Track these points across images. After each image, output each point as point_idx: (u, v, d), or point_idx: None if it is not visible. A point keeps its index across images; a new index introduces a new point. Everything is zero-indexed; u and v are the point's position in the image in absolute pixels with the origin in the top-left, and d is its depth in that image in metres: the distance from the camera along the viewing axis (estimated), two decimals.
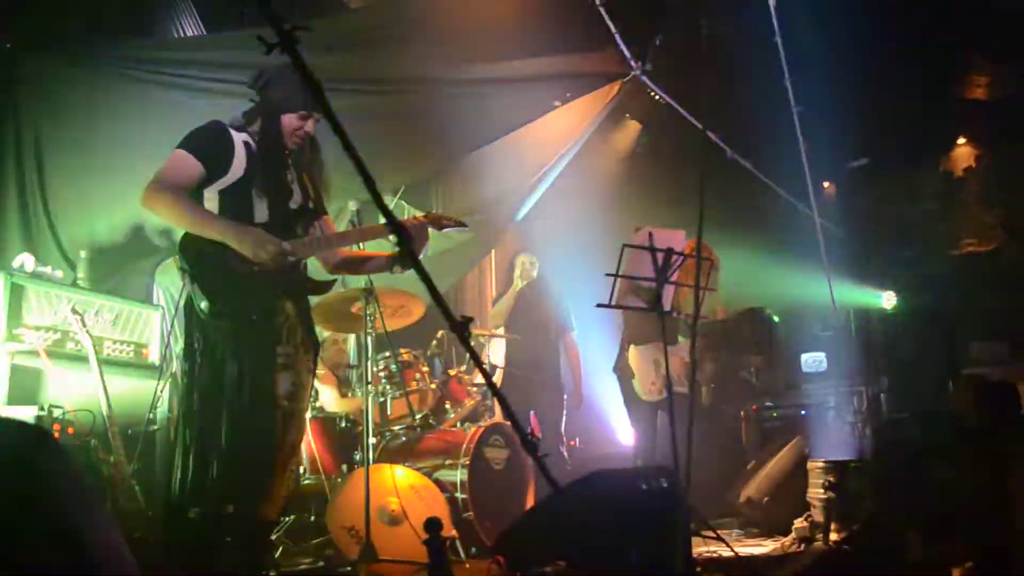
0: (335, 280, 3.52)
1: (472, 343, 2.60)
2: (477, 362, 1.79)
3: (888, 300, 8.59)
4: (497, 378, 6.26)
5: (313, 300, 3.72)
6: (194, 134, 3.23)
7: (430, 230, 3.56)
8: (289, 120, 3.29)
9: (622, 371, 5.52)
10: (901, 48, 7.46)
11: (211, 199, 3.21)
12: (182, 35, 5.37)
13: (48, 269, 4.49)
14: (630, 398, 5.45)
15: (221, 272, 3.12)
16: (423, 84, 5.46)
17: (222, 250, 3.11)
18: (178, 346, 3.18)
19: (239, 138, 3.26)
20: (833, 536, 4.28)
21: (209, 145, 3.21)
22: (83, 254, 5.01)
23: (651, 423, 5.38)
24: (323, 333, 5.67)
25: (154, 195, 3.13)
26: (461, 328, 1.74)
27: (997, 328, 8.19)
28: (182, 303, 3.21)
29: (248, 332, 3.12)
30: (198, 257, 3.12)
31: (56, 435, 3.80)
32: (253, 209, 3.23)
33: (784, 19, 5.74)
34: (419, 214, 3.73)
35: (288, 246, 3.21)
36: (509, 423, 5.09)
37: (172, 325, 4.48)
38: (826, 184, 9.31)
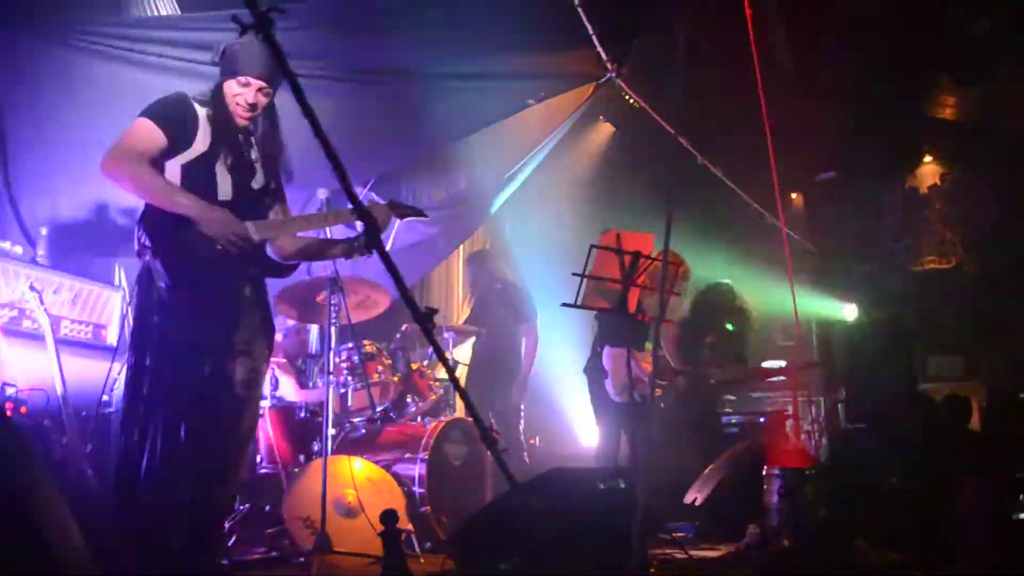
0: (297, 264, 3.47)
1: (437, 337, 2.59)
2: (440, 354, 1.79)
3: (850, 313, 8.71)
4: (458, 375, 6.24)
5: (279, 286, 3.68)
6: (158, 103, 3.13)
7: (394, 219, 3.51)
8: (229, 86, 3.18)
9: (592, 372, 5.55)
10: (873, 64, 7.56)
11: (173, 172, 3.12)
12: (155, 13, 5.28)
13: (7, 245, 4.41)
14: (599, 399, 5.49)
15: (184, 250, 3.03)
16: (397, 76, 5.42)
17: (185, 227, 3.02)
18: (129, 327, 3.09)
19: (203, 111, 3.18)
20: (786, 542, 4.32)
21: (173, 115, 3.11)
22: (44, 231, 4.92)
23: (617, 425, 5.42)
24: (287, 322, 5.63)
25: (115, 162, 3.02)
26: (425, 319, 1.73)
27: (953, 344, 8.37)
28: (136, 280, 3.10)
29: (207, 314, 3.06)
30: (161, 233, 3.03)
31: (8, 414, 3.74)
32: (216, 186, 3.15)
33: (759, 31, 5.79)
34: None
35: (253, 229, 3.16)
36: (470, 419, 5.09)
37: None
38: (794, 195, 9.42)
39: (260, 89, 3.18)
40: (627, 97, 6.57)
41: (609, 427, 5.53)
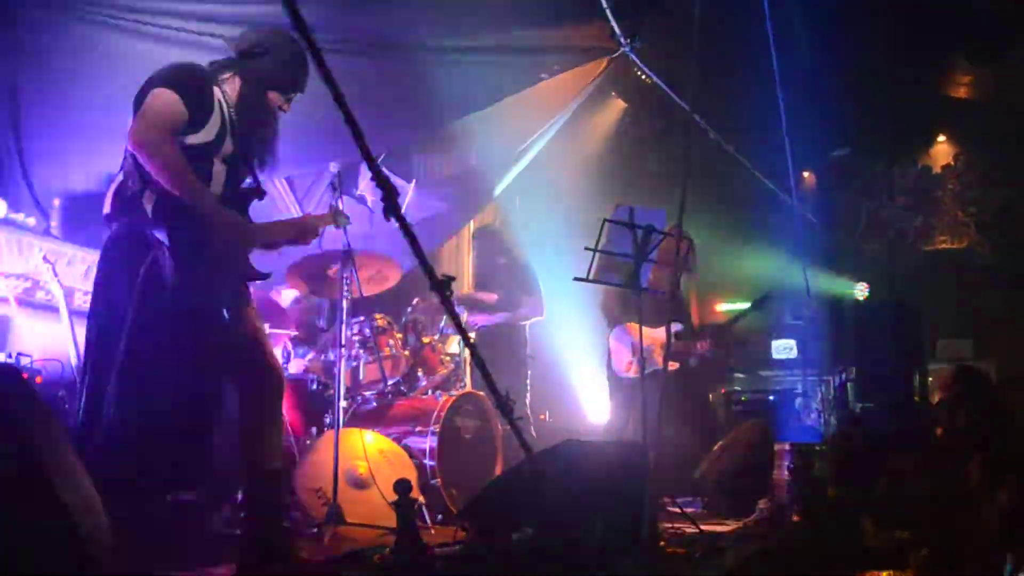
0: (270, 274, 3.29)
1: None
2: (456, 322, 1.79)
3: (860, 292, 8.69)
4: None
5: (290, 259, 3.66)
6: (181, 76, 2.91)
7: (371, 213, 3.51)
8: (275, 97, 3.12)
9: (607, 351, 5.73)
10: (888, 42, 7.50)
11: None
12: None
13: (21, 216, 4.42)
14: (610, 377, 5.66)
15: (198, 255, 2.87)
16: (410, 49, 5.39)
17: (199, 228, 2.86)
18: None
19: (218, 95, 3.02)
20: (795, 518, 4.34)
21: (197, 93, 2.92)
22: (56, 202, 4.92)
23: (626, 401, 5.54)
24: (293, 292, 5.64)
25: (155, 138, 2.78)
26: (442, 287, 1.73)
27: (963, 325, 8.35)
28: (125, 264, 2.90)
29: (203, 321, 2.96)
30: (180, 234, 2.82)
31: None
32: (211, 179, 2.96)
33: (776, 7, 5.74)
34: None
35: (257, 239, 3.11)
36: (480, 393, 5.11)
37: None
38: (806, 173, 9.37)
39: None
40: (639, 72, 6.53)
41: (617, 403, 5.64)
